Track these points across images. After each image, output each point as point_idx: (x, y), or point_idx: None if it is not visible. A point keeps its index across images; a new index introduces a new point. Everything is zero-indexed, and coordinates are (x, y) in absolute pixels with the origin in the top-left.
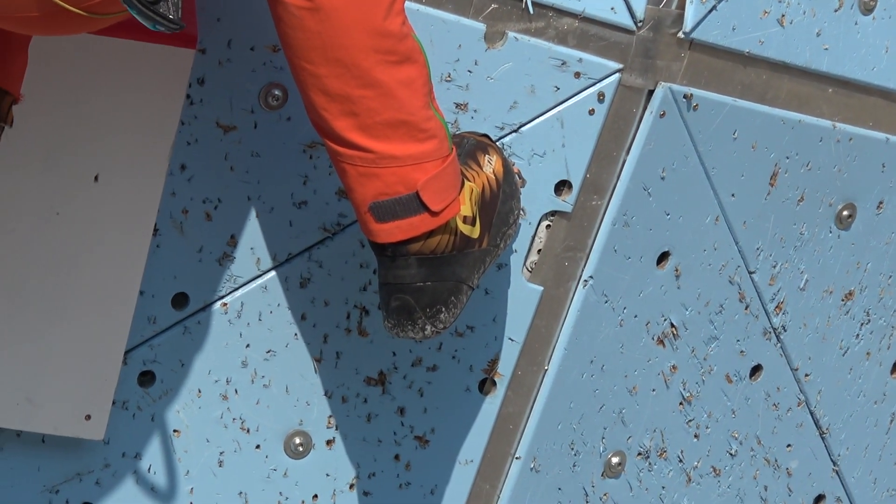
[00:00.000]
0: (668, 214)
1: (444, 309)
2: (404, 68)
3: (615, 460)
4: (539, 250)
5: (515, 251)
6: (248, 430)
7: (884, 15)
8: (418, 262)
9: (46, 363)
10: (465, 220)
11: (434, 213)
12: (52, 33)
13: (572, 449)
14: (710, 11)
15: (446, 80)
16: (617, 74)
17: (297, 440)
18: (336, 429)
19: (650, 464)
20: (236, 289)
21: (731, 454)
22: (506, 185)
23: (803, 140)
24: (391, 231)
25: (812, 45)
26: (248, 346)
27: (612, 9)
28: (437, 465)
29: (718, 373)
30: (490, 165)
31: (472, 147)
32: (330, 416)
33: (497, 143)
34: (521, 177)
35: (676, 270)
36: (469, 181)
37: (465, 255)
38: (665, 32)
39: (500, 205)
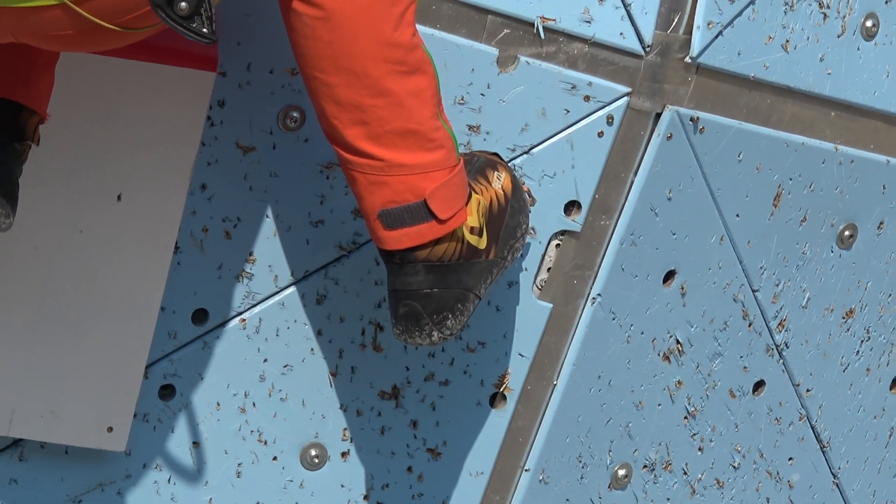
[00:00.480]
0: (674, 234)
1: (450, 316)
2: (414, 78)
3: (622, 473)
4: (549, 268)
5: (526, 269)
6: (265, 443)
7: (885, 41)
8: (426, 269)
9: (70, 377)
10: (472, 230)
11: (441, 221)
12: (88, 50)
13: (580, 461)
14: (716, 37)
15: (460, 103)
16: (625, 98)
17: (313, 452)
18: (351, 441)
19: (655, 476)
20: (254, 305)
21: (734, 467)
22: (514, 200)
23: (806, 162)
24: (399, 238)
25: (815, 70)
26: (265, 360)
27: (621, 34)
28: (448, 477)
29: (722, 388)
30: (499, 181)
31: (482, 164)
32: (345, 429)
33: (507, 162)
34: (531, 196)
35: (682, 288)
36: (477, 194)
37: (472, 265)
38: (672, 57)
39: (507, 218)
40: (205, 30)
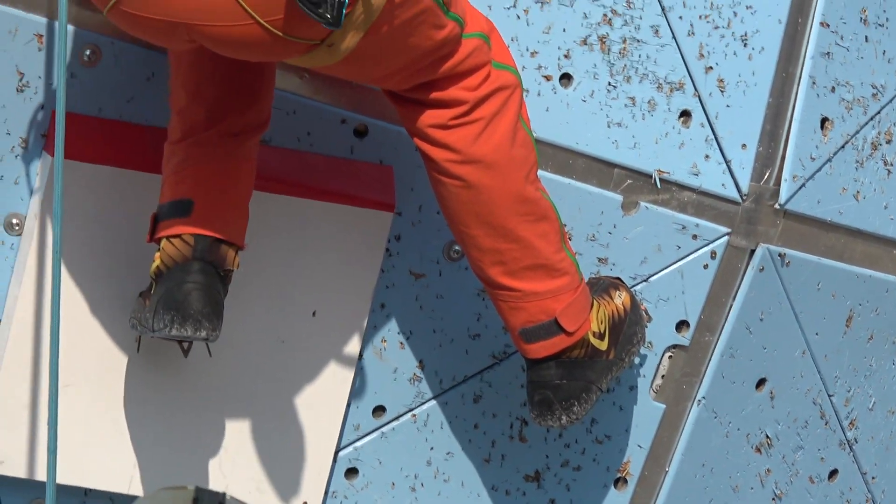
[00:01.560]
0: (765, 348)
1: (576, 403)
2: (541, 224)
3: None
4: (662, 375)
5: (643, 376)
6: None
7: None
8: (557, 364)
9: (273, 460)
10: (594, 334)
11: (570, 334)
12: (250, 57)
13: None
14: (800, 188)
15: (591, 240)
16: (726, 237)
17: None
18: None
19: None
20: (423, 403)
21: None
22: (632, 313)
23: (873, 291)
24: (538, 350)
25: (881, 216)
26: (432, 448)
27: (722, 185)
28: None
29: (803, 475)
30: (619, 298)
31: (607, 285)
32: None
33: (628, 286)
34: (648, 314)
35: (771, 393)
36: (600, 305)
37: (595, 363)
38: (765, 204)
39: (626, 328)
40: (328, 15)
